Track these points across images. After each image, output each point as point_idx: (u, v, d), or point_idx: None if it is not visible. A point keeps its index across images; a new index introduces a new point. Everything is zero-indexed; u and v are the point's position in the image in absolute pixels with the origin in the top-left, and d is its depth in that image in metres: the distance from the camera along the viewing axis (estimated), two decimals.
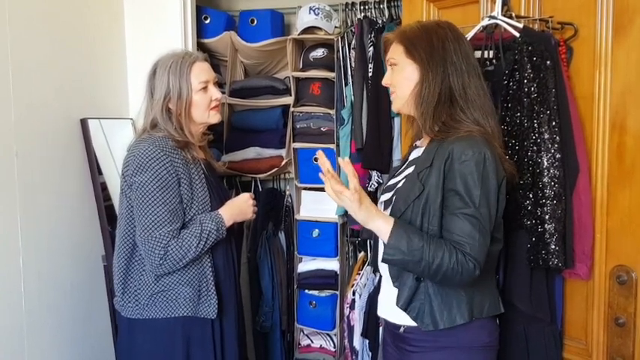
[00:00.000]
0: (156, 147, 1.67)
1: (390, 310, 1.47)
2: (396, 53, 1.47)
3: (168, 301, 1.71)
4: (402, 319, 1.44)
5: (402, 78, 1.45)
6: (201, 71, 1.78)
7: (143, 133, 1.77)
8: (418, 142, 1.56)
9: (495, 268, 1.54)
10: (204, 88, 1.78)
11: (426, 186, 1.37)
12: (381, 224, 1.34)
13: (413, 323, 1.42)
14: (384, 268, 1.51)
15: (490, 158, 1.34)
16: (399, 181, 1.49)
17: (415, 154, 1.53)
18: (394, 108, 1.53)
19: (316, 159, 2.82)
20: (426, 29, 1.43)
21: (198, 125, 1.82)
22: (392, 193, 1.50)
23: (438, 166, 1.36)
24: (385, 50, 1.54)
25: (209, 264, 1.75)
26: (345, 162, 1.34)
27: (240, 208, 1.83)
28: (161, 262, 1.64)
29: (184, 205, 1.71)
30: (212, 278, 1.75)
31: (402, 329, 1.46)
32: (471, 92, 1.40)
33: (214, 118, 1.83)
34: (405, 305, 1.41)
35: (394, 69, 1.48)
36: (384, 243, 1.35)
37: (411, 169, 1.47)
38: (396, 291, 1.43)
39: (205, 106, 1.79)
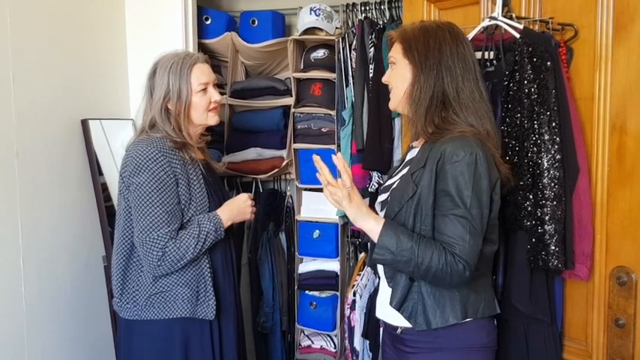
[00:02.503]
0: (153, 148, 1.67)
1: (387, 311, 1.47)
2: (396, 52, 1.48)
3: (167, 303, 1.71)
4: (400, 320, 1.44)
5: (398, 77, 1.47)
6: (202, 73, 1.78)
7: (141, 133, 1.77)
8: (414, 143, 1.56)
9: (492, 269, 1.54)
10: (204, 90, 1.78)
11: (419, 186, 1.37)
12: (371, 224, 1.36)
13: (410, 325, 1.42)
14: (381, 270, 1.51)
15: (482, 159, 1.33)
16: (395, 182, 1.50)
17: (411, 154, 1.53)
18: (390, 106, 1.54)
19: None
20: (426, 30, 1.44)
21: (196, 126, 1.82)
22: (388, 193, 1.50)
23: (430, 166, 1.36)
24: (390, 47, 1.55)
25: (207, 265, 1.75)
26: (337, 158, 1.38)
27: (238, 208, 1.83)
28: (159, 263, 1.64)
29: (182, 206, 1.71)
30: (210, 279, 1.74)
31: (399, 330, 1.46)
32: (464, 96, 1.40)
33: (212, 119, 1.83)
34: (399, 305, 1.41)
35: (393, 67, 1.50)
36: (374, 243, 1.35)
37: (405, 170, 1.48)
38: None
39: (204, 107, 1.79)
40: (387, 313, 1.49)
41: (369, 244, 1.73)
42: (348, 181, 1.35)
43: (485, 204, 1.34)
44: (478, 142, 1.35)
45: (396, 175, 1.54)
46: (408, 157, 1.54)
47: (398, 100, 1.48)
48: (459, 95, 1.40)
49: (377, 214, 1.58)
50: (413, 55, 1.42)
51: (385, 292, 1.49)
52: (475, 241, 1.31)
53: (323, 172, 1.38)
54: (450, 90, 1.39)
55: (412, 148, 1.56)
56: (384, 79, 1.54)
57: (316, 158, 1.39)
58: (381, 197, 1.55)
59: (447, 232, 1.32)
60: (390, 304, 1.42)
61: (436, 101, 1.40)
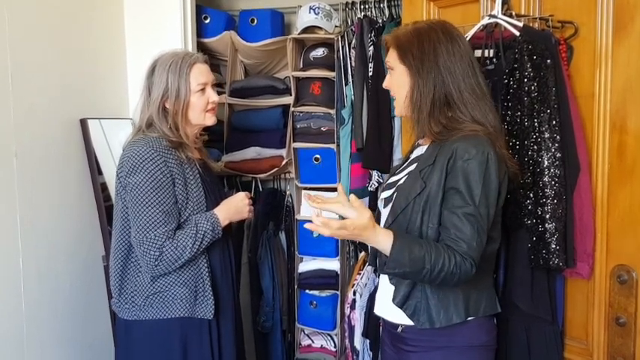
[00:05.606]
0: (149, 147, 1.67)
1: (388, 308, 1.46)
2: (392, 58, 1.48)
3: (165, 302, 1.70)
4: (400, 318, 1.43)
5: (397, 83, 1.47)
6: (200, 73, 1.78)
7: (138, 132, 1.77)
8: (421, 140, 1.56)
9: (494, 268, 1.54)
10: (202, 90, 1.78)
11: (428, 184, 1.37)
12: (380, 239, 1.30)
13: (411, 322, 1.41)
14: None
15: (493, 159, 1.33)
16: (401, 179, 1.49)
17: (418, 151, 1.53)
18: (396, 113, 1.54)
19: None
20: (418, 33, 1.43)
21: (193, 126, 1.82)
22: (393, 190, 1.49)
23: (440, 164, 1.36)
24: (386, 52, 1.55)
25: (205, 264, 1.75)
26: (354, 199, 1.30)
27: (236, 207, 1.82)
28: (156, 263, 1.64)
29: (179, 206, 1.70)
30: (208, 279, 1.74)
31: (400, 329, 1.46)
32: (467, 94, 1.39)
33: (210, 120, 1.83)
34: (402, 303, 1.41)
35: (391, 73, 1.50)
36: (385, 257, 1.31)
37: (413, 167, 1.47)
38: (393, 288, 1.43)
39: (202, 108, 1.78)
40: (387, 311, 1.48)
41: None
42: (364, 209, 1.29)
43: (492, 204, 1.34)
44: (489, 142, 1.35)
45: (400, 172, 1.54)
46: (414, 155, 1.54)
47: (400, 105, 1.48)
48: (462, 94, 1.39)
49: (379, 211, 1.57)
50: (409, 61, 1.41)
51: (385, 290, 1.48)
52: (481, 240, 1.31)
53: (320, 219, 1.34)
54: (453, 90, 1.39)
55: (418, 145, 1.56)
56: (385, 85, 1.53)
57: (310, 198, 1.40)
58: (385, 194, 1.54)
59: (454, 228, 1.30)
60: (393, 300, 1.42)
61: (439, 103, 1.39)
